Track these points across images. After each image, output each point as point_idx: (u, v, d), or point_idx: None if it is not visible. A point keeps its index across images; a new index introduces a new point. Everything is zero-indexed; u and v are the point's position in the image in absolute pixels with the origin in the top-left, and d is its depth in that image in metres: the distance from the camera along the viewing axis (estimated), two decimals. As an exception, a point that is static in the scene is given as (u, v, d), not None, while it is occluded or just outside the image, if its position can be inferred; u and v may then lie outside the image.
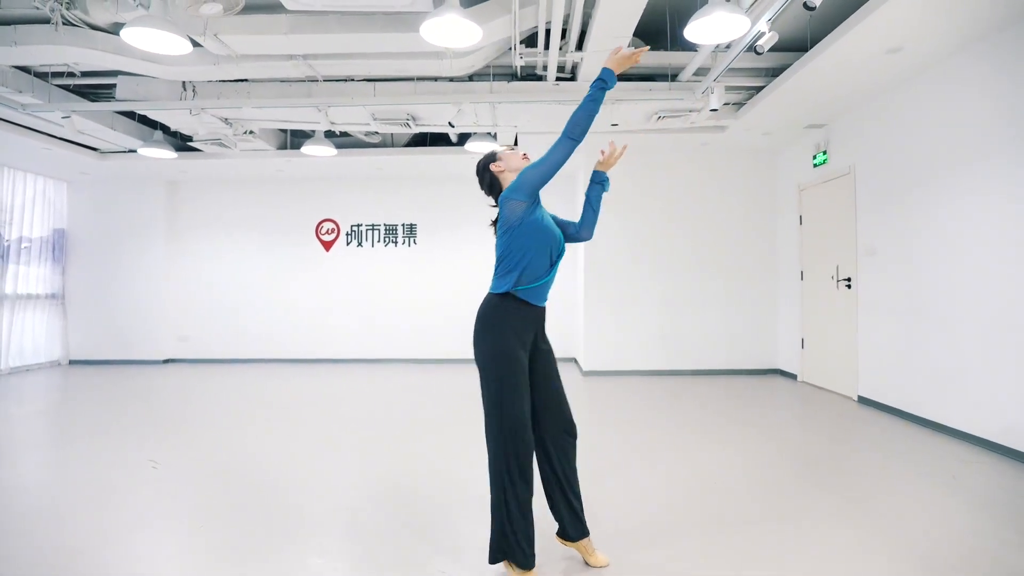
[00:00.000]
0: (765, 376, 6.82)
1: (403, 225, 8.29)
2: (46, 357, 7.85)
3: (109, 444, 3.99)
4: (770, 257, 6.99)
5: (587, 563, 2.24)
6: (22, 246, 7.48)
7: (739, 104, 5.68)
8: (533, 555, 2.10)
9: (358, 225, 8.34)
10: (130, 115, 6.57)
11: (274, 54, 4.57)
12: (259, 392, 6.10)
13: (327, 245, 8.35)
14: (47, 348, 7.87)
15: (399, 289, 8.23)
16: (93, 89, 5.87)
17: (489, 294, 2.19)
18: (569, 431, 2.24)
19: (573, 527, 2.23)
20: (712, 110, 4.65)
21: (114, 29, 4.45)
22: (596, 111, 2.08)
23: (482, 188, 2.34)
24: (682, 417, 4.77)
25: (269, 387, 6.39)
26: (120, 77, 5.30)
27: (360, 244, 8.30)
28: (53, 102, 5.34)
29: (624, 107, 5.18)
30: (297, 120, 5.77)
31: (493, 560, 2.12)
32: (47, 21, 4.24)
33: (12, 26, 4.22)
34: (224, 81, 5.26)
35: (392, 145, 7.28)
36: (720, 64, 4.41)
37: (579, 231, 2.36)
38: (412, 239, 8.27)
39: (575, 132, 2.06)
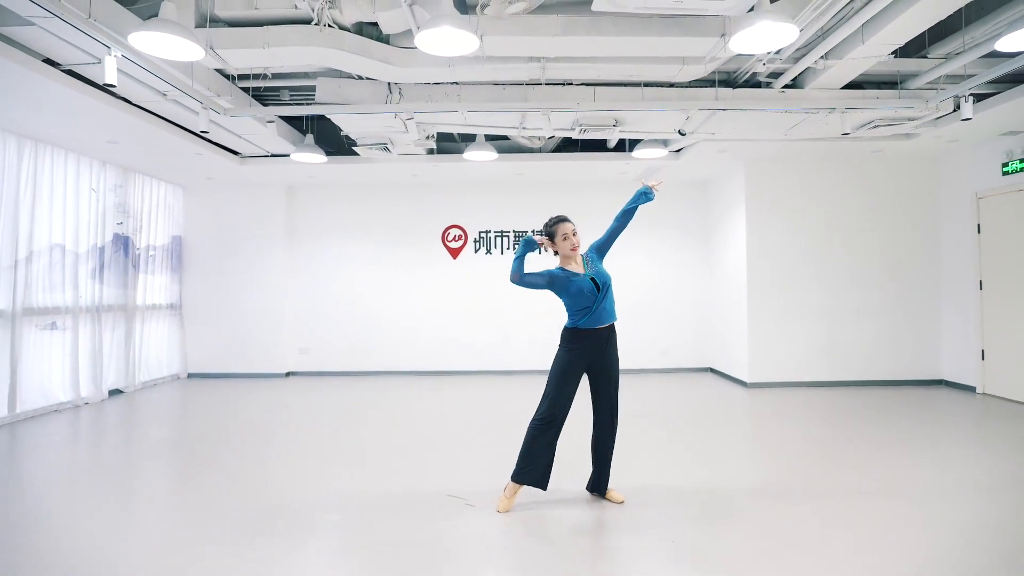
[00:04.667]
0: (931, 387, 6.70)
1: (535, 232, 8.03)
2: (167, 371, 7.47)
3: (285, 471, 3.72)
4: (934, 266, 6.87)
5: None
6: (149, 254, 7.10)
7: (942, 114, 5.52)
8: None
9: (486, 231, 8.06)
10: (293, 119, 6.27)
11: (522, 55, 4.32)
12: (402, 409, 5.84)
13: (454, 252, 8.07)
14: (168, 361, 7.49)
15: (533, 299, 7.94)
16: (265, 93, 5.56)
17: None
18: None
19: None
20: (964, 119, 4.49)
21: (355, 28, 4.19)
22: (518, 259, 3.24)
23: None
24: (908, 436, 4.59)
25: (405, 403, 6.15)
26: (319, 80, 5.00)
27: (489, 251, 8.04)
28: (249, 108, 5.04)
29: (852, 116, 5.01)
30: (488, 124, 5.50)
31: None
32: (300, 21, 3.96)
33: (264, 27, 3.92)
34: (436, 83, 4.99)
35: (539, 150, 7.04)
36: (986, 73, 4.27)
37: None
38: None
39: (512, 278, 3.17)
